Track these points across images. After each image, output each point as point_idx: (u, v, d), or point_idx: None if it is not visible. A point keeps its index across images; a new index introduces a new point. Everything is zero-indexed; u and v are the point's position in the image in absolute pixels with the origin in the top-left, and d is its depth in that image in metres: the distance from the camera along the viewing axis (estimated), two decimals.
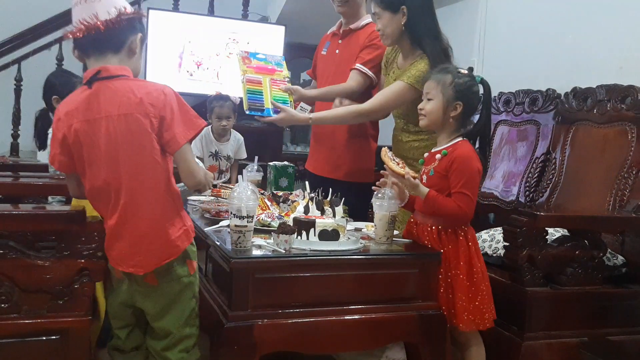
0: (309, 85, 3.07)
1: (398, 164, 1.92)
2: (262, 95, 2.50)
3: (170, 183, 1.59)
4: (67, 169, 1.60)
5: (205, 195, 2.46)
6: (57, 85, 2.56)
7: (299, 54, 4.41)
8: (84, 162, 1.56)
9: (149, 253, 1.56)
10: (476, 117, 2.01)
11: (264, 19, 4.63)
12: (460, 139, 1.95)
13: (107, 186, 1.54)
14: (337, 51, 2.76)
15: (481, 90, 1.98)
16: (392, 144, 2.54)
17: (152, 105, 1.50)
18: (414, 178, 1.88)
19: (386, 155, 1.94)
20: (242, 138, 3.24)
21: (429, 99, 1.96)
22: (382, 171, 2.00)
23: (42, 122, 2.65)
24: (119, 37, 1.55)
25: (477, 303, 1.87)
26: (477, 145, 2.00)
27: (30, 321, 1.57)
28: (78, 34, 1.51)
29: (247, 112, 2.48)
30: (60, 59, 3.90)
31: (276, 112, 2.47)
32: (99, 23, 1.50)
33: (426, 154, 2.05)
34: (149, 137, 1.51)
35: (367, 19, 2.71)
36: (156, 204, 1.56)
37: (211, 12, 4.25)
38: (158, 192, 1.56)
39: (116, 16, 1.52)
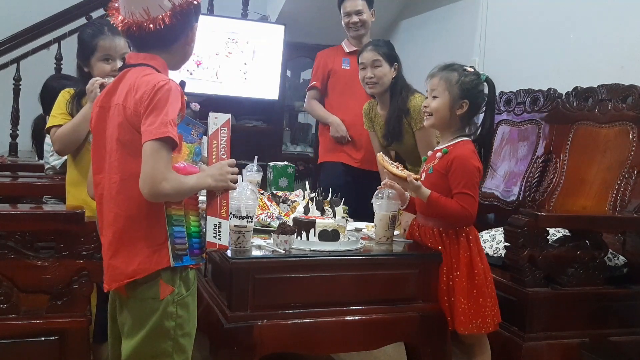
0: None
1: (397, 167, 1.90)
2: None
3: None
4: None
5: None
6: (58, 88, 2.55)
7: (299, 53, 4.41)
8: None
9: (112, 269, 1.35)
10: (479, 117, 2.00)
11: (264, 18, 4.61)
12: (463, 138, 1.93)
13: (99, 183, 1.39)
14: None
15: (485, 90, 1.96)
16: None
17: (139, 97, 1.30)
18: (416, 180, 1.86)
19: (384, 160, 1.92)
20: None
21: (434, 97, 1.93)
22: (382, 183, 1.98)
23: (43, 130, 2.63)
24: (171, 35, 1.36)
25: (477, 306, 1.85)
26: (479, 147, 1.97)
27: (29, 322, 1.56)
28: (124, 28, 1.35)
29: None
30: (59, 59, 3.89)
31: None
32: (148, 22, 1.31)
33: (429, 152, 2.03)
34: (128, 130, 1.31)
35: None
36: (128, 209, 1.32)
37: (211, 11, 4.23)
38: (132, 194, 1.30)
39: (170, 13, 1.32)
